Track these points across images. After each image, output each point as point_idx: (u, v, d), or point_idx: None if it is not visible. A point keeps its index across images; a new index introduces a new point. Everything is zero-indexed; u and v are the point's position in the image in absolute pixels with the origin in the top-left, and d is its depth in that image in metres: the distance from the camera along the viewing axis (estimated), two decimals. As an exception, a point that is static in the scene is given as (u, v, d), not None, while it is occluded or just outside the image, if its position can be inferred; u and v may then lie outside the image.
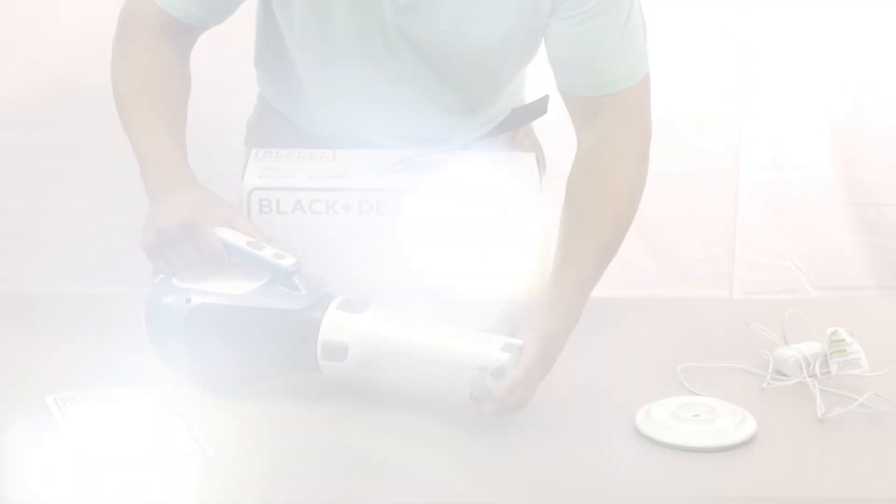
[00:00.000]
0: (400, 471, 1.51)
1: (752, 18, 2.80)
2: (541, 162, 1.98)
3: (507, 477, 1.51)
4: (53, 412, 1.60)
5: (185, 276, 1.64)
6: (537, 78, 2.11)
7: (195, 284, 1.63)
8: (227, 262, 1.63)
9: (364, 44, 1.81)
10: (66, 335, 1.81)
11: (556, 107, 2.11)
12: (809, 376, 1.70)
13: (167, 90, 1.79)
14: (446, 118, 1.92)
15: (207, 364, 1.63)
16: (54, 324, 1.85)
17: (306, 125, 1.99)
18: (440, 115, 1.90)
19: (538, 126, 2.10)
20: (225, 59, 2.67)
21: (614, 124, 1.76)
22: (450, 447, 1.56)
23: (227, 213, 1.65)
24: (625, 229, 1.76)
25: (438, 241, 1.77)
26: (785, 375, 1.72)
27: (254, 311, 1.60)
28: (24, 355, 1.76)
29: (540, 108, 2.06)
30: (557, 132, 2.58)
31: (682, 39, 2.76)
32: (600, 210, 1.74)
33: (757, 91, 2.83)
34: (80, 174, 2.75)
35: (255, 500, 1.46)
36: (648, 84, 1.78)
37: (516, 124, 2.05)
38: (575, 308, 1.68)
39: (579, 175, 1.77)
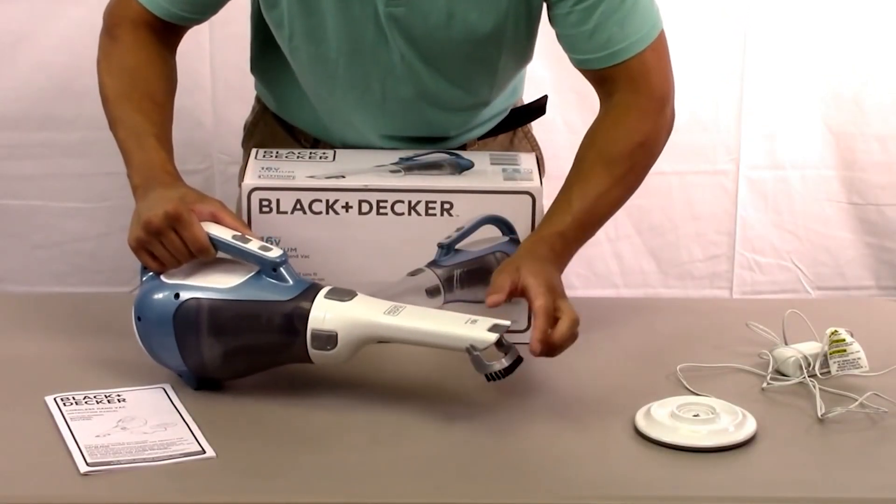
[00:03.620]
0: (399, 470, 1.51)
1: (752, 18, 2.80)
2: (540, 162, 1.98)
3: (506, 476, 1.51)
4: (53, 412, 1.60)
5: (172, 273, 1.64)
6: (537, 78, 2.11)
7: (183, 280, 1.63)
8: (214, 255, 1.64)
9: (356, 37, 1.81)
10: (66, 335, 1.81)
11: (556, 107, 2.11)
12: (809, 376, 1.70)
13: (153, 90, 1.79)
14: (443, 116, 1.91)
15: (197, 359, 1.63)
16: (54, 324, 1.85)
17: (303, 128, 1.99)
18: (437, 112, 1.90)
19: (538, 126, 2.10)
20: (224, 60, 2.68)
21: (624, 89, 1.77)
22: (449, 445, 1.56)
23: (213, 208, 1.65)
24: (621, 188, 1.76)
25: (436, 242, 1.77)
26: (785, 375, 1.72)
27: (241, 304, 1.61)
28: (24, 355, 1.76)
29: (539, 108, 2.06)
30: (557, 133, 2.59)
31: (681, 39, 2.75)
32: (593, 168, 1.75)
33: (757, 91, 2.83)
34: (80, 174, 2.75)
35: (256, 500, 1.46)
36: (662, 46, 1.78)
37: (516, 125, 2.05)
38: (553, 251, 1.69)
39: (586, 136, 1.79)
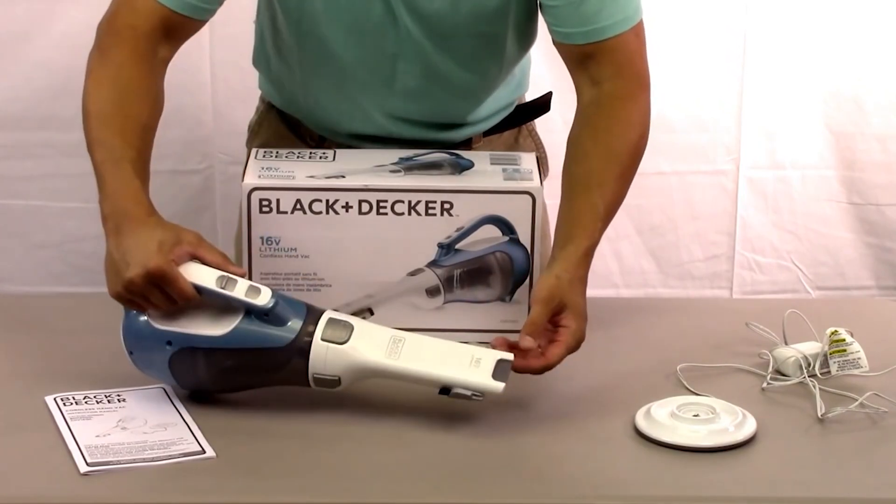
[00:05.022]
0: (399, 470, 1.51)
1: (752, 17, 2.80)
2: (542, 162, 1.98)
3: (506, 476, 1.51)
4: (53, 412, 1.60)
5: (160, 314, 1.59)
6: (539, 77, 2.11)
7: (173, 326, 1.59)
8: (199, 300, 1.59)
9: (364, 17, 1.80)
10: (66, 335, 1.81)
11: (557, 107, 2.11)
12: (809, 376, 1.70)
13: (139, 112, 1.73)
14: (452, 99, 1.91)
15: (197, 388, 1.63)
16: (54, 324, 1.85)
17: (307, 121, 1.99)
18: (443, 94, 1.89)
19: (540, 127, 2.10)
20: (224, 60, 2.68)
21: (611, 74, 1.76)
22: (449, 445, 1.56)
23: (191, 248, 1.60)
24: (629, 183, 1.76)
25: (437, 242, 1.77)
26: (785, 375, 1.72)
27: (237, 352, 1.58)
28: (24, 355, 1.76)
29: (543, 105, 2.06)
30: (558, 132, 2.59)
31: (681, 39, 2.76)
32: (606, 168, 1.74)
33: (757, 91, 2.83)
34: (80, 174, 2.73)
35: (256, 500, 1.46)
36: (642, 32, 1.78)
37: (520, 122, 2.05)
38: (588, 266, 1.70)
39: (581, 132, 1.77)
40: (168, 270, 1.56)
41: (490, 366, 1.58)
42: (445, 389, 1.57)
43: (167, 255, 1.57)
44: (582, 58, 1.77)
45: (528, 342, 1.62)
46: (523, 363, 1.62)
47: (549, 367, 1.63)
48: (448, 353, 1.60)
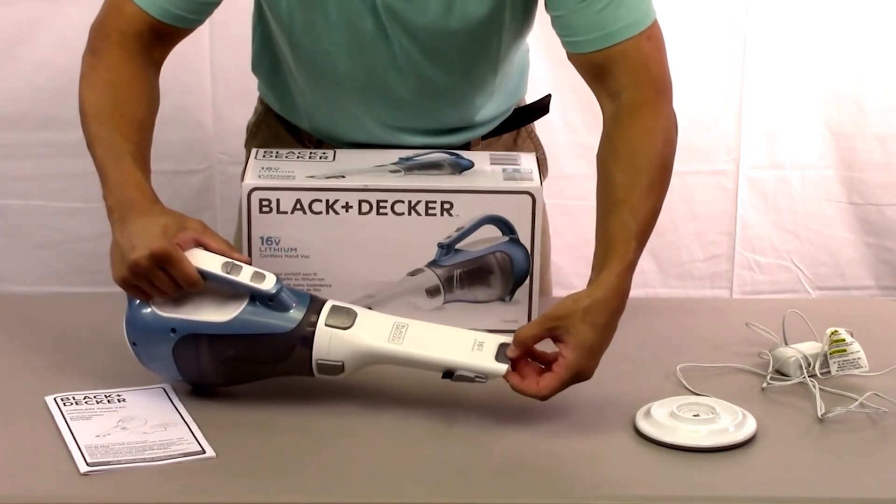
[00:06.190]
0: (399, 469, 1.51)
1: (752, 17, 2.80)
2: (542, 163, 1.97)
3: (506, 476, 1.51)
4: (53, 412, 1.60)
5: (164, 303, 1.60)
6: (538, 79, 2.11)
7: (177, 313, 1.59)
8: (204, 287, 1.59)
9: (356, 30, 1.80)
10: (65, 335, 1.81)
11: (557, 108, 2.11)
12: (809, 376, 1.70)
13: (135, 110, 1.74)
14: (446, 108, 1.91)
15: (199, 379, 1.63)
16: (54, 324, 1.85)
17: (305, 128, 1.99)
18: (439, 104, 1.89)
19: (540, 127, 2.10)
20: (224, 60, 2.68)
21: (627, 83, 1.71)
22: (449, 445, 1.56)
23: (195, 234, 1.61)
24: (663, 194, 1.69)
25: (437, 242, 1.77)
26: (785, 375, 1.73)
27: (242, 339, 1.58)
28: (24, 355, 1.76)
29: (542, 108, 2.06)
30: (558, 133, 2.59)
31: (681, 39, 2.76)
32: (633, 183, 1.67)
33: (757, 91, 2.84)
34: (80, 174, 2.74)
35: (256, 500, 1.46)
36: (658, 35, 1.74)
37: (519, 124, 2.05)
38: (625, 291, 1.62)
39: (604, 150, 1.72)
40: (173, 252, 1.57)
41: (493, 349, 1.58)
42: (448, 373, 1.57)
43: (172, 239, 1.58)
44: (597, 70, 1.74)
45: (510, 351, 1.59)
46: (517, 381, 1.58)
47: (538, 396, 1.58)
48: (450, 337, 1.61)
